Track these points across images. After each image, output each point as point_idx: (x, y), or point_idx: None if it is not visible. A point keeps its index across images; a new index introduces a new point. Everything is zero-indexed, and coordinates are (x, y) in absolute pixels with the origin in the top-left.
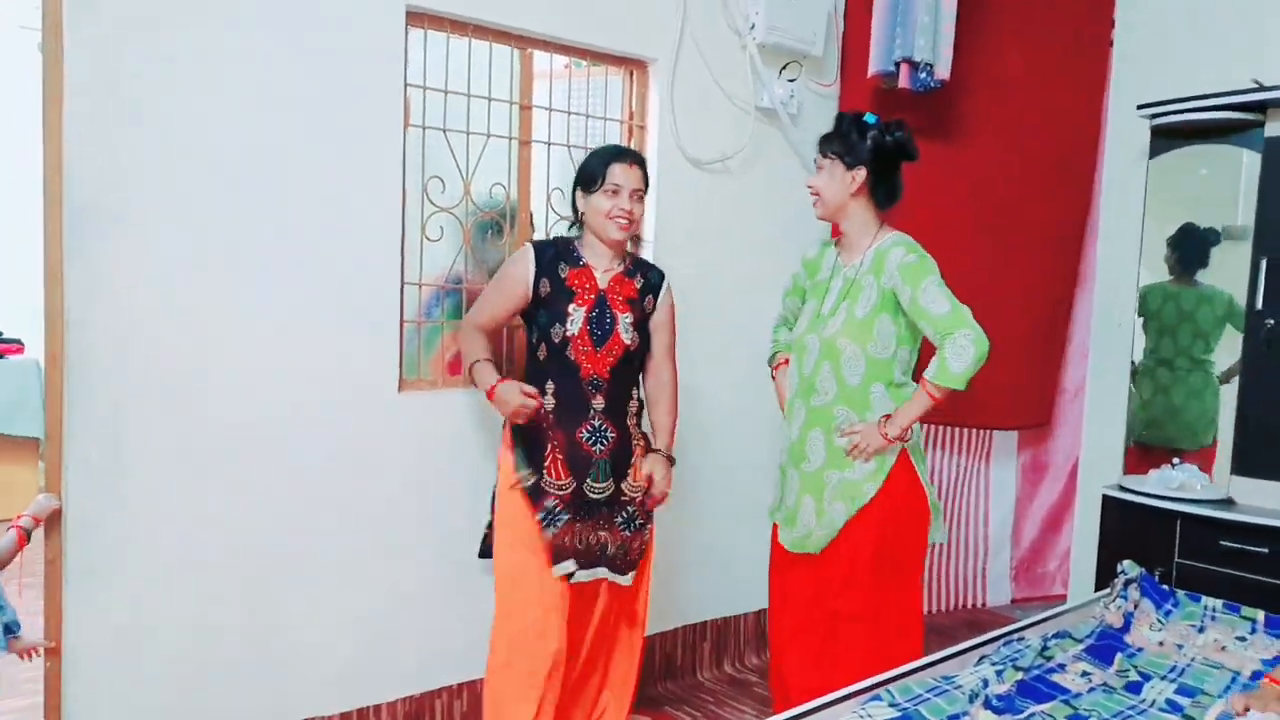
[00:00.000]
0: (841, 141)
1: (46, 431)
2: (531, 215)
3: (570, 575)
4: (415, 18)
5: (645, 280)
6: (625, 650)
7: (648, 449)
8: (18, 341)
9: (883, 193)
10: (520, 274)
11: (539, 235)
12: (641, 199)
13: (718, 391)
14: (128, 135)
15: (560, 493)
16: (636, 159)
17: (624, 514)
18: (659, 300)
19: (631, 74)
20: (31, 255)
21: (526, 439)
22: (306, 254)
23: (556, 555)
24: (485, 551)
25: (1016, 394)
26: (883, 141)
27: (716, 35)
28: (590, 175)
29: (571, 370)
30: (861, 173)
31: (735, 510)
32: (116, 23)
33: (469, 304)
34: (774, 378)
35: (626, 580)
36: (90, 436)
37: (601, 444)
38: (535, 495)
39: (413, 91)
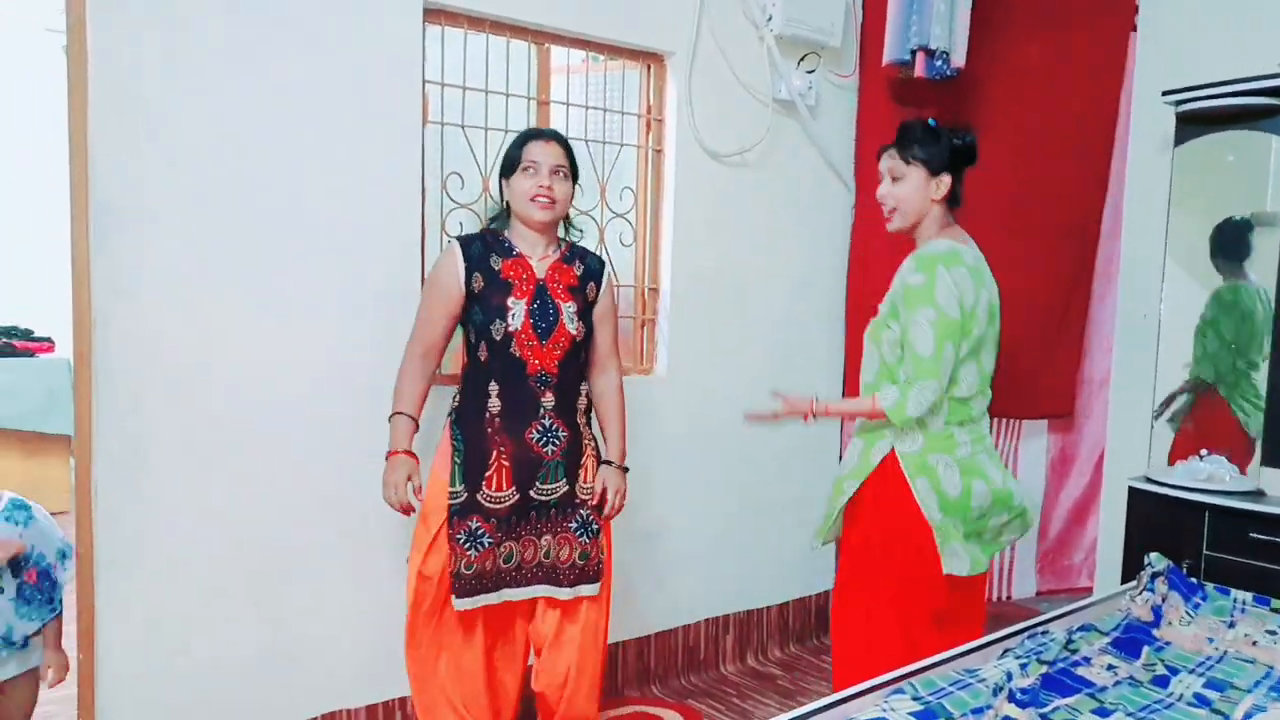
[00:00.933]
0: (923, 147)
1: (76, 427)
2: None
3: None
4: (432, 14)
5: (585, 267)
6: (590, 665)
7: (598, 456)
8: (49, 340)
9: (957, 197)
10: (450, 273)
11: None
12: (566, 177)
13: (737, 384)
14: (150, 134)
15: (496, 507)
16: (555, 136)
17: (578, 518)
18: (601, 289)
19: (649, 68)
20: (60, 255)
21: (470, 448)
22: (326, 251)
23: (465, 587)
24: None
25: (1036, 384)
26: (957, 146)
27: (734, 28)
28: (509, 160)
29: (517, 368)
30: (946, 179)
31: (757, 503)
32: (138, 23)
33: None
34: None
35: (593, 590)
36: (113, 431)
37: (553, 444)
38: (462, 515)
39: (431, 88)
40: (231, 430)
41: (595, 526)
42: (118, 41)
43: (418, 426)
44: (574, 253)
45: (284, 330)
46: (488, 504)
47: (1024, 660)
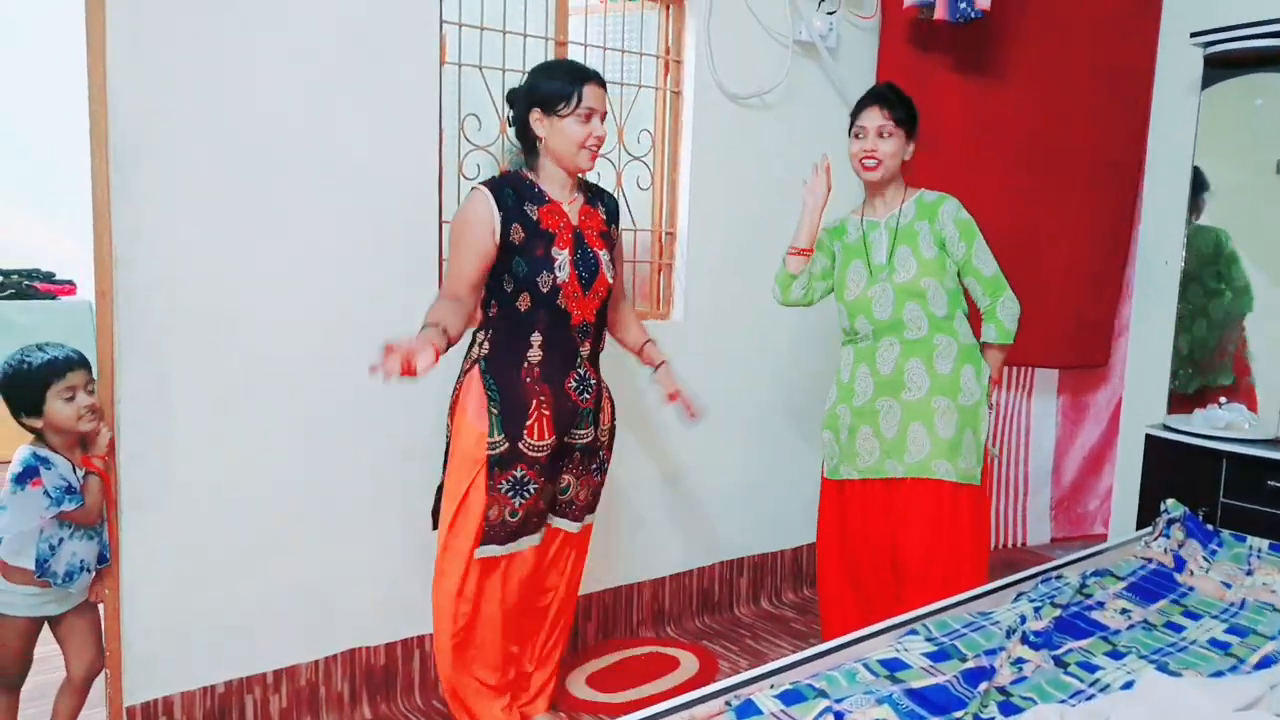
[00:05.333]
0: (907, 113)
1: (98, 368)
2: None
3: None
4: None
5: (606, 208)
6: (564, 608)
7: (611, 400)
8: (70, 283)
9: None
10: (482, 222)
11: None
12: (604, 120)
13: (754, 328)
14: (169, 75)
15: (538, 454)
16: (601, 79)
17: (598, 460)
18: (618, 229)
19: (668, 8)
20: (80, 197)
21: (507, 396)
22: (345, 192)
23: (509, 533)
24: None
25: (1069, 331)
26: (916, 115)
27: None
28: (555, 95)
29: (562, 319)
30: (912, 146)
31: (770, 447)
32: None
33: None
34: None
35: (582, 524)
36: (138, 372)
37: (588, 392)
38: (503, 465)
39: (449, 29)
40: (253, 370)
41: (607, 465)
42: None
43: (450, 343)
44: (592, 192)
45: (302, 270)
46: (531, 452)
47: (1037, 604)
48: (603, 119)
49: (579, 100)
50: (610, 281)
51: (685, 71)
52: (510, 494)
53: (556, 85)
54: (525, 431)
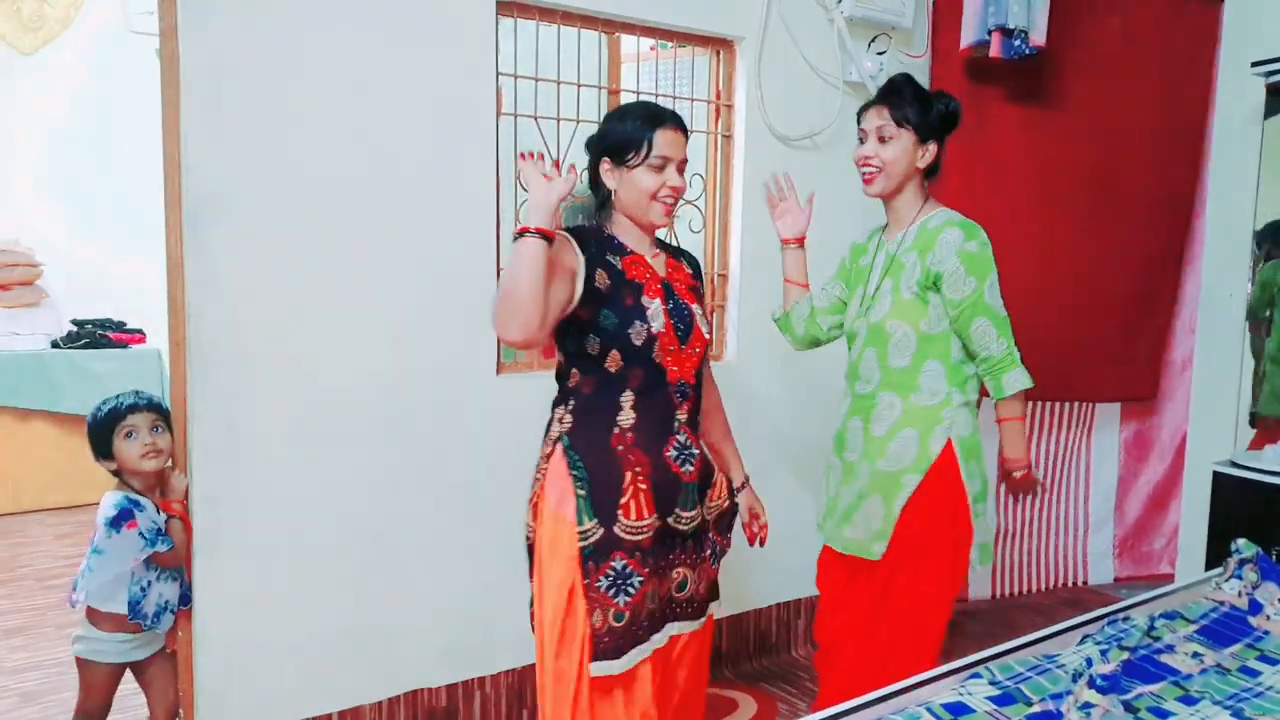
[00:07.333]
0: (915, 111)
1: (172, 415)
2: None
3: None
4: (505, 7)
5: (690, 264)
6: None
7: (729, 482)
8: (140, 332)
9: (937, 166)
10: (567, 256)
11: None
12: (684, 170)
13: (807, 368)
14: (239, 132)
15: (638, 538)
16: (680, 122)
17: (710, 544)
18: (704, 284)
19: (718, 53)
20: (150, 250)
21: (595, 471)
22: (406, 242)
23: (618, 643)
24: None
25: (1117, 364)
26: (943, 113)
27: (803, 10)
28: (625, 143)
29: (657, 375)
30: (933, 148)
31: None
32: (226, 27)
33: None
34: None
35: (705, 619)
36: (208, 420)
37: (690, 463)
38: (599, 557)
39: (504, 80)
40: (318, 415)
41: (719, 549)
42: (208, 45)
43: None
44: (673, 250)
45: (365, 320)
46: (630, 536)
47: (1104, 647)
48: (681, 167)
49: (649, 148)
50: (707, 338)
51: (736, 115)
52: (611, 592)
53: (626, 132)
54: (621, 511)
